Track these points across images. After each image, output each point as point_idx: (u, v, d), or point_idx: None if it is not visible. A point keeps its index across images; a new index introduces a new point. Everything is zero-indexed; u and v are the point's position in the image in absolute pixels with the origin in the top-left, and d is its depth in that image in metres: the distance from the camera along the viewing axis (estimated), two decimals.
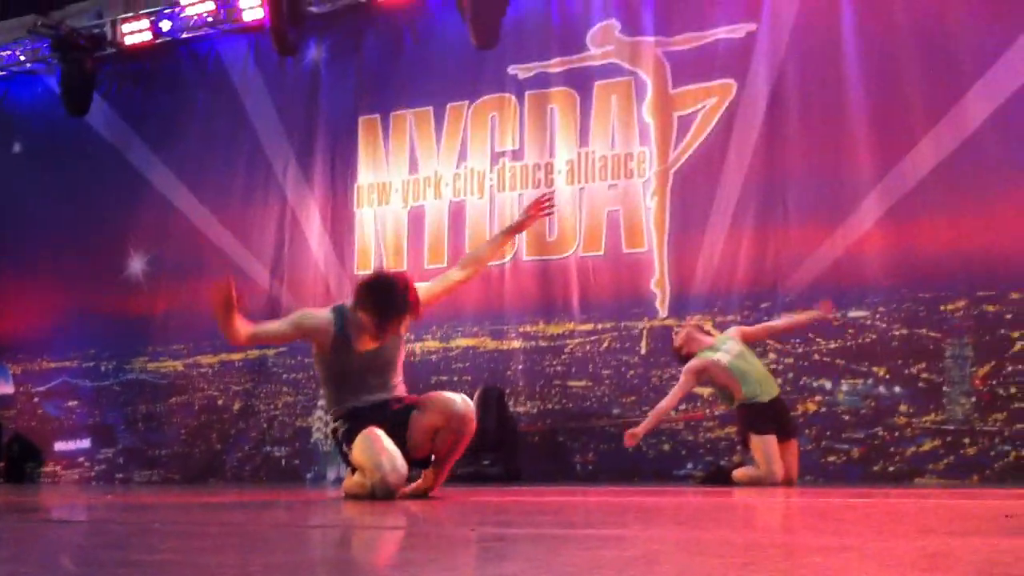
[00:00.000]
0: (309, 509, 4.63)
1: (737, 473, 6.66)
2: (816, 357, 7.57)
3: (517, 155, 8.87)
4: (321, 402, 9.08)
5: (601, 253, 8.46)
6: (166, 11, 10.23)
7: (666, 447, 7.96)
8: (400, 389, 4.84)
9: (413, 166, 9.29)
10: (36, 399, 10.67)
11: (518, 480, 7.88)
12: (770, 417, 6.61)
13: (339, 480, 7.93)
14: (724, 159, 8.06)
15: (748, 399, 6.62)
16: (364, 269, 9.29)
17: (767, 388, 6.70)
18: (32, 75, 11.14)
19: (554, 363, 8.50)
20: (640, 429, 6.65)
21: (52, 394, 10.56)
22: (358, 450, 4.58)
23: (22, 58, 11.04)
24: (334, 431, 4.83)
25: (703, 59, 8.19)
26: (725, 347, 6.75)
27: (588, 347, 8.39)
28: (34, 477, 10.28)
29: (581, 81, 8.66)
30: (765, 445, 6.49)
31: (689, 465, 7.86)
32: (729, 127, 8.04)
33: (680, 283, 8.13)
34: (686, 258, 8.12)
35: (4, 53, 11.05)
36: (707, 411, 7.84)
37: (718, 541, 2.63)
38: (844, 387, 7.48)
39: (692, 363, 6.73)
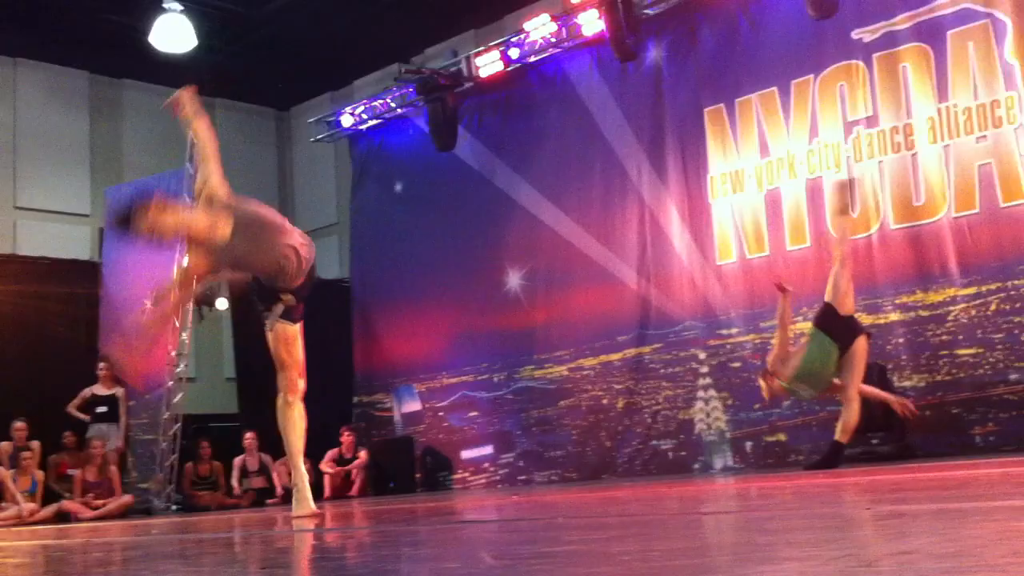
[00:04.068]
0: (699, 498, 4.77)
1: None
2: None
3: (871, 121, 8.56)
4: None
5: (976, 211, 7.97)
6: (513, 39, 10.83)
7: None
8: None
9: (764, 149, 9.22)
10: (441, 413, 11.63)
11: (912, 458, 7.57)
12: None
13: (727, 469, 7.99)
14: None
15: None
16: (726, 259, 9.34)
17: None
18: (403, 119, 12.17)
19: (938, 332, 8.10)
20: None
21: (454, 407, 11.46)
22: None
23: (392, 104, 12.08)
24: None
25: None
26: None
27: (974, 312, 7.92)
28: (446, 484, 11.20)
29: (932, 33, 8.23)
30: None
31: None
32: None
33: None
34: None
35: (377, 102, 12.15)
36: None
37: None
38: None
39: None
